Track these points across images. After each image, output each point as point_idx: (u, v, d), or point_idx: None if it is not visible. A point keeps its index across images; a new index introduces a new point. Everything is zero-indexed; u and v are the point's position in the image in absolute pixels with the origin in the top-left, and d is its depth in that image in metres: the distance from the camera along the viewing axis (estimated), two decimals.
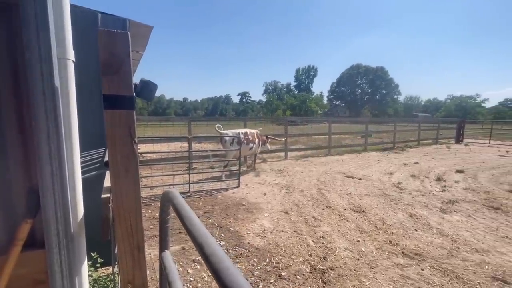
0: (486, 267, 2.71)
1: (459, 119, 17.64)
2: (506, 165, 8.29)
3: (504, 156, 10.37)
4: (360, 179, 6.39)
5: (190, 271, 2.64)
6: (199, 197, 4.94)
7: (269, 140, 7.99)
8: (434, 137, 15.43)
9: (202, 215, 4.06)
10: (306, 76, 78.98)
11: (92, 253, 2.05)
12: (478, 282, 2.46)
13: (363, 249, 3.05)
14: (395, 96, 72.99)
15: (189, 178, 5.25)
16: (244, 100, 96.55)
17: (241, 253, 2.98)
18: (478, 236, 3.40)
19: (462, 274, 2.58)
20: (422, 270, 2.65)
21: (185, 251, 3.02)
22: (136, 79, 0.90)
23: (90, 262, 2.03)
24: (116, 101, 0.81)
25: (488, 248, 3.09)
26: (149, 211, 4.27)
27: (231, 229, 3.59)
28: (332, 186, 5.71)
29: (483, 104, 64.49)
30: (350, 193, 5.20)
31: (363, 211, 4.23)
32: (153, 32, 2.79)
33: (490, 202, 4.70)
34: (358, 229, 3.60)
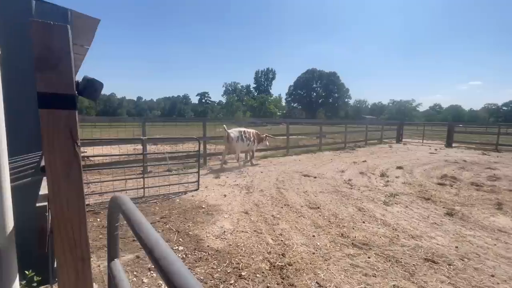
0: (420, 250, 3.10)
1: (399, 121, 19.83)
2: (435, 161, 9.57)
3: (434, 153, 11.97)
4: (315, 177, 6.76)
5: (145, 280, 2.50)
6: (155, 202, 4.69)
7: (267, 138, 8.83)
8: (379, 137, 17.08)
9: (159, 221, 3.87)
10: (265, 78, 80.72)
11: (26, 271, 1.81)
12: (413, 264, 2.80)
13: (318, 243, 3.23)
14: (346, 100, 78.93)
15: (144, 182, 4.96)
16: (203, 100, 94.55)
17: (200, 257, 2.91)
18: (413, 224, 3.87)
19: (401, 258, 2.91)
20: (369, 258, 2.92)
21: (140, 259, 2.85)
22: (83, 75, 0.82)
23: (24, 282, 1.78)
24: (54, 100, 0.74)
25: (421, 234, 3.54)
26: (98, 219, 3.92)
27: (190, 233, 3.50)
28: (290, 185, 5.94)
29: (417, 108, 73.66)
30: (306, 191, 5.46)
31: (318, 207, 4.49)
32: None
33: (423, 194, 5.39)
34: (313, 224, 3.80)
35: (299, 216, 4.11)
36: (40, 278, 1.88)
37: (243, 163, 8.39)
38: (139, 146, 9.84)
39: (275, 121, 33.44)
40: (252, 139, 8.03)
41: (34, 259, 1.39)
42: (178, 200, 4.84)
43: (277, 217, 4.07)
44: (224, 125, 7.65)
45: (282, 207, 4.51)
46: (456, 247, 3.20)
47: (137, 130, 7.74)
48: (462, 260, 2.91)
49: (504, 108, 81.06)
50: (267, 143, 9.06)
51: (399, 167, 8.19)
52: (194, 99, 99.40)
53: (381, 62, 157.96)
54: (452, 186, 6.13)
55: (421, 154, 11.68)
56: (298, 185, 5.93)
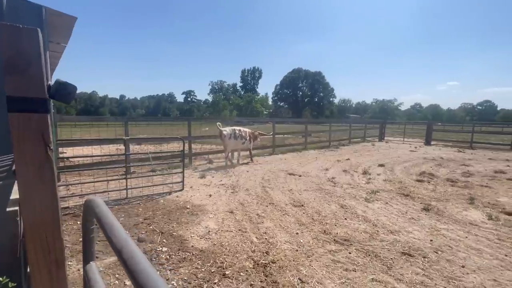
0: (397, 244, 3.24)
1: (382, 120, 20.44)
2: (415, 159, 9.96)
3: (414, 151, 12.45)
4: (300, 175, 6.87)
5: (127, 282, 2.47)
6: (139, 203, 4.62)
7: (260, 135, 9.07)
8: (362, 136, 17.54)
9: (142, 222, 3.81)
10: (251, 77, 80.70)
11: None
12: (391, 258, 2.93)
13: (301, 240, 3.31)
14: (331, 99, 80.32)
15: (127, 183, 4.86)
16: (189, 99, 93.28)
17: (184, 257, 2.91)
18: (392, 220, 4.03)
19: (380, 253, 3.03)
20: (350, 253, 3.03)
21: None
22: (61, 72, 0.82)
23: None
24: (24, 104, 0.73)
25: (399, 229, 3.69)
26: (78, 222, 3.80)
27: (174, 233, 3.47)
28: (275, 184, 6.01)
29: (399, 107, 76.17)
30: (291, 189, 5.55)
31: (302, 205, 4.58)
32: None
33: (402, 190, 5.61)
34: (297, 222, 3.88)
35: (284, 214, 4.18)
36: (15, 284, 1.82)
37: (236, 161, 8.59)
38: (122, 146, 9.61)
39: (261, 120, 33.53)
40: (248, 138, 8.27)
41: (5, 265, 1.35)
42: (162, 200, 4.78)
43: (262, 215, 4.12)
44: (219, 123, 7.79)
45: (267, 206, 4.56)
46: (431, 240, 3.37)
47: (120, 129, 7.52)
48: (436, 252, 3.07)
49: (479, 107, 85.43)
50: (258, 140, 9.33)
51: (381, 165, 8.47)
52: (180, 98, 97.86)
53: (365, 62, 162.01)
54: (429, 182, 6.41)
55: (402, 152, 12.11)
56: (283, 184, 6.01)
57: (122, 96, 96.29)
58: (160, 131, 21.54)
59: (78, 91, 0.84)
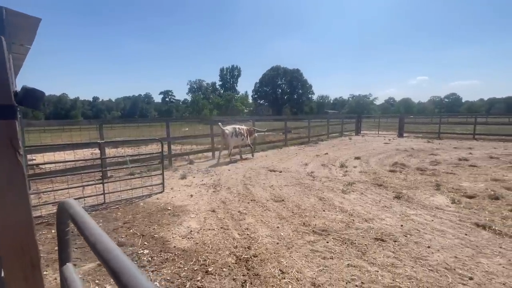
0: (371, 231, 3.45)
1: (357, 115, 21.22)
2: (388, 151, 10.50)
3: (388, 143, 13.09)
4: (281, 171, 7.02)
5: (108, 287, 2.44)
6: (118, 208, 4.51)
7: (255, 131, 9.82)
8: (340, 130, 18.12)
9: (122, 226, 3.74)
10: (230, 75, 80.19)
11: None
12: (365, 244, 3.12)
13: (281, 234, 3.42)
14: (310, 96, 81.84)
15: (104, 188, 4.72)
16: (167, 99, 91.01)
17: (167, 258, 2.92)
18: (367, 209, 4.26)
19: (355, 240, 3.22)
20: (327, 242, 3.18)
21: (101, 267, 2.75)
22: (27, 74, 0.82)
23: None
24: None
25: (373, 217, 3.92)
26: (53, 231, 3.66)
27: (156, 235, 3.45)
28: (257, 181, 6.10)
29: (374, 102, 79.24)
30: (272, 185, 5.67)
31: (283, 200, 4.70)
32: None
33: (376, 181, 5.92)
34: (278, 216, 4.00)
35: (265, 210, 4.28)
36: None
37: (239, 157, 9.33)
38: (98, 150, 9.24)
39: (242, 119, 33.58)
40: (245, 135, 8.96)
41: None
42: (142, 203, 4.71)
43: (243, 212, 4.19)
44: (220, 123, 8.52)
45: (248, 203, 4.64)
46: (401, 225, 3.61)
47: (94, 133, 7.23)
48: (405, 236, 3.31)
49: (446, 100, 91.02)
50: (255, 135, 10.08)
51: (357, 158, 8.84)
52: (157, 98, 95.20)
53: (341, 58, 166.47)
54: (401, 172, 6.81)
55: (377, 144, 12.69)
56: (264, 180, 6.12)
57: (95, 98, 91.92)
58: (138, 133, 20.90)
59: (45, 94, 0.86)
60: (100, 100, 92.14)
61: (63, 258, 0.89)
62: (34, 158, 7.90)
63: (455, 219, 3.78)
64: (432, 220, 3.77)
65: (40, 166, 6.39)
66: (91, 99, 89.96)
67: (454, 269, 2.61)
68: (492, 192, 4.76)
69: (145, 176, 6.10)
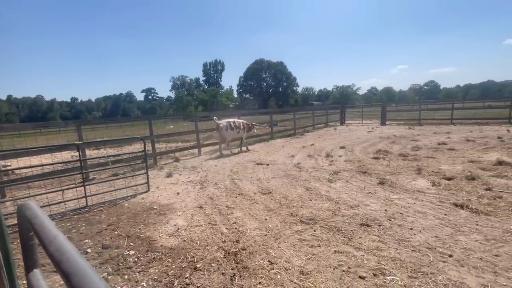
0: (357, 217, 3.52)
1: (341, 105, 21.55)
2: (372, 139, 10.74)
3: (371, 131, 13.39)
4: (268, 164, 7.03)
5: None
6: (101, 210, 4.38)
7: (255, 126, 10.04)
8: (325, 121, 18.36)
9: (106, 228, 3.63)
10: (214, 70, 78.99)
11: None
12: (351, 230, 3.18)
13: (270, 225, 3.44)
14: (294, 88, 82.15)
15: (85, 190, 4.56)
16: (150, 97, 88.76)
17: (154, 257, 2.86)
18: (352, 196, 4.35)
19: (341, 227, 3.28)
20: (315, 231, 3.23)
21: None
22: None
23: None
24: None
25: (358, 203, 4.01)
26: None
27: (142, 235, 3.38)
28: (244, 175, 6.09)
29: (358, 92, 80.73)
30: (259, 178, 5.67)
31: (270, 192, 4.72)
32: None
33: (361, 168, 6.05)
34: (266, 209, 4.01)
35: (253, 203, 4.28)
36: None
37: (240, 149, 9.65)
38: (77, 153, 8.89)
39: (229, 113, 33.32)
40: (242, 128, 9.17)
41: None
42: (127, 204, 4.59)
43: (231, 207, 4.17)
44: (215, 117, 8.86)
45: (236, 197, 4.62)
46: (385, 210, 3.72)
47: (73, 135, 6.93)
48: (389, 220, 3.41)
49: (425, 87, 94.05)
50: (255, 131, 10.35)
51: (342, 147, 9.00)
52: (140, 96, 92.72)
53: (324, 50, 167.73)
54: (384, 158, 6.99)
55: (361, 133, 12.96)
56: (251, 174, 6.11)
57: (73, 99, 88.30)
58: (121, 133, 20.31)
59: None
60: (79, 100, 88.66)
61: (29, 264, 0.83)
62: (9, 164, 7.50)
63: (435, 201, 3.93)
64: (414, 203, 3.90)
65: (15, 171, 6.07)
66: (69, 100, 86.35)
67: (435, 248, 2.71)
68: (469, 173, 4.99)
69: (129, 176, 5.94)
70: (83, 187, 4.59)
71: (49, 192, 4.47)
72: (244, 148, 9.72)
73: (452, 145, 8.21)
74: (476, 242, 2.79)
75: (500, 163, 5.53)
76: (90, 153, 10.22)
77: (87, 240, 3.32)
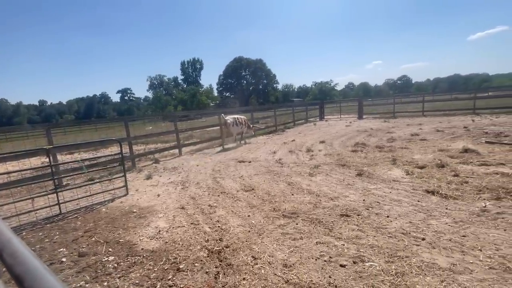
0: (337, 209, 3.63)
1: (320, 101, 21.99)
2: (350, 133, 11.08)
3: (349, 126, 13.80)
4: (250, 161, 7.04)
5: None
6: (76, 217, 4.17)
7: (252, 127, 11.23)
8: (305, 117, 18.66)
9: (82, 236, 3.47)
10: (192, 69, 77.55)
11: None
12: (332, 221, 3.27)
13: (253, 221, 3.45)
14: (275, 85, 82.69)
15: (57, 197, 4.32)
16: (126, 98, 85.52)
17: (134, 262, 2.78)
18: (332, 188, 4.47)
19: (322, 218, 3.36)
20: (297, 224, 3.28)
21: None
22: None
23: None
24: None
25: (338, 195, 4.13)
26: None
27: (121, 240, 3.27)
28: (226, 173, 6.06)
29: (336, 88, 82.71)
30: (241, 176, 5.67)
31: (253, 189, 4.73)
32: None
33: (340, 161, 6.22)
34: (248, 205, 4.02)
35: (235, 201, 4.27)
36: None
37: (244, 142, 10.69)
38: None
39: (209, 112, 32.90)
40: (244, 123, 10.32)
41: None
42: (104, 209, 4.41)
43: (214, 205, 4.14)
44: (222, 114, 9.91)
45: (219, 195, 4.59)
46: (364, 200, 3.86)
47: (43, 139, 6.50)
48: (367, 209, 3.54)
49: (398, 82, 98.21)
50: (253, 132, 11.42)
51: (322, 142, 9.20)
52: (115, 97, 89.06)
53: (303, 47, 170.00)
54: (362, 151, 7.24)
55: (339, 127, 13.32)
56: (234, 172, 6.10)
57: (42, 102, 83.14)
58: (96, 135, 19.42)
59: None
60: (49, 103, 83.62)
61: None
62: None
63: (409, 189, 4.14)
64: (390, 192, 4.08)
65: None
66: (37, 103, 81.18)
67: (409, 233, 2.86)
68: (439, 161, 5.29)
69: (105, 180, 5.70)
70: (55, 194, 4.35)
71: (17, 201, 4.19)
72: (243, 142, 10.63)
73: (423, 136, 8.67)
74: (446, 225, 2.97)
75: (466, 150, 5.92)
76: (62, 158, 9.69)
77: (61, 249, 3.15)
